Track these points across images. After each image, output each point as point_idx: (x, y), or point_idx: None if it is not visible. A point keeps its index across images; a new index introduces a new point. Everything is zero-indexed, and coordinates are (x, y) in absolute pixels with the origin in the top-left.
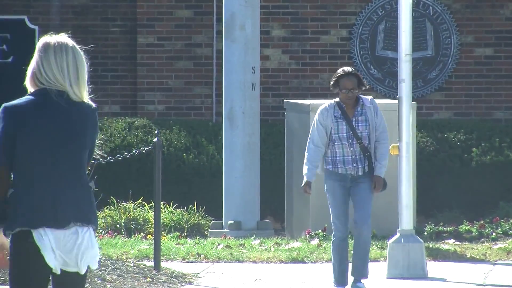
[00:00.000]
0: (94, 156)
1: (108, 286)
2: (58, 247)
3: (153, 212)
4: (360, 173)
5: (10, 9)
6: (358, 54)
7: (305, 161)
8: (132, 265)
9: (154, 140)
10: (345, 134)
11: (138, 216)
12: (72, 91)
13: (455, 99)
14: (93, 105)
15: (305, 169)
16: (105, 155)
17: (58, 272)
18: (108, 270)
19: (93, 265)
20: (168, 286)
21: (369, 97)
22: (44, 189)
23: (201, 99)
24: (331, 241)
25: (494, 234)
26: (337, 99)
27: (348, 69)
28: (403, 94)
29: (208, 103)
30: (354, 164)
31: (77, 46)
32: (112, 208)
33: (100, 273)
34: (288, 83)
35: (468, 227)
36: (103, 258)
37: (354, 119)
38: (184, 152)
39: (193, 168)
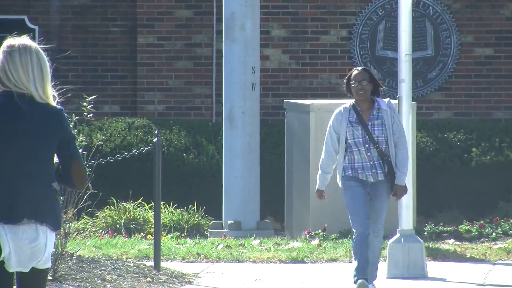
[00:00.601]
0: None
1: (108, 286)
2: (14, 244)
3: (153, 212)
4: (379, 178)
5: (10, 9)
6: (358, 54)
7: (319, 165)
8: (132, 265)
9: (154, 140)
10: (361, 139)
11: (138, 216)
12: (37, 93)
13: (455, 99)
14: (58, 107)
15: (317, 177)
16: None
17: (10, 270)
18: (108, 270)
19: (41, 265)
20: (168, 286)
21: (386, 100)
22: (1, 186)
23: (201, 99)
24: (352, 240)
25: (494, 234)
26: (352, 102)
27: (360, 67)
28: (403, 94)
29: (208, 103)
30: (373, 170)
31: (40, 49)
32: (112, 208)
33: (100, 273)
34: (288, 83)
35: (468, 227)
36: (103, 258)
37: (370, 123)
38: (184, 152)
39: (193, 168)
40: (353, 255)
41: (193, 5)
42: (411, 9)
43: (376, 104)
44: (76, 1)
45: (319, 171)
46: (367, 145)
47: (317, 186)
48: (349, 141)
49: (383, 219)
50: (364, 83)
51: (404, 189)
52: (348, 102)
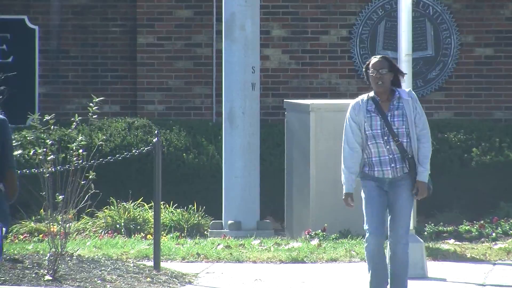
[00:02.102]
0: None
1: (108, 286)
2: None
3: (153, 212)
4: (399, 174)
5: (10, 9)
6: (358, 54)
7: (342, 167)
8: (132, 265)
9: (154, 140)
10: (379, 131)
11: (138, 216)
12: None
13: (455, 99)
14: (1, 117)
15: (343, 178)
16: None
17: None
18: (108, 270)
19: None
20: (168, 286)
21: (407, 89)
22: None
23: (201, 99)
24: (364, 247)
25: (494, 234)
26: (371, 93)
27: (379, 55)
28: None
29: (208, 103)
30: (393, 165)
31: None
32: (112, 208)
33: (100, 273)
34: (288, 83)
35: (468, 227)
36: (103, 258)
37: (389, 114)
38: (184, 152)
39: (193, 168)
40: (367, 266)
41: (193, 5)
42: (411, 9)
43: (397, 93)
44: (76, 1)
45: (344, 172)
46: (386, 138)
47: (344, 190)
48: (366, 132)
49: (407, 222)
50: (384, 71)
51: (426, 188)
52: (366, 94)
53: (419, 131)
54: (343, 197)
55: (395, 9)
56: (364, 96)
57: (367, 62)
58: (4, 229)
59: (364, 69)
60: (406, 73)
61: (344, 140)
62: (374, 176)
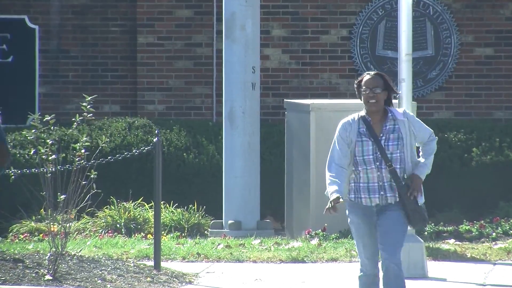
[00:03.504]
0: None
1: (108, 286)
2: None
3: (153, 212)
4: (389, 201)
5: (10, 9)
6: (358, 54)
7: (328, 181)
8: (132, 265)
9: (154, 140)
10: (371, 157)
11: (138, 216)
12: None
13: (455, 99)
14: None
15: (330, 188)
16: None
17: None
18: (108, 270)
19: None
20: (168, 286)
21: (401, 109)
22: None
23: (201, 99)
24: (358, 276)
25: (494, 234)
26: (362, 112)
27: (373, 71)
28: (403, 94)
29: (208, 103)
30: (382, 192)
31: None
32: (112, 208)
33: (100, 272)
34: (288, 83)
35: (468, 227)
36: (103, 258)
37: (383, 137)
38: (184, 152)
39: (193, 168)
40: None
41: (193, 5)
42: (411, 9)
43: (390, 114)
44: (76, 1)
45: (332, 183)
46: (378, 163)
47: (333, 195)
48: (357, 157)
49: (398, 241)
50: (378, 90)
51: (420, 183)
52: (356, 113)
53: (427, 140)
54: (328, 207)
55: (395, 9)
56: (354, 116)
57: (359, 79)
58: None
59: (356, 86)
60: (399, 93)
61: (330, 158)
62: (361, 203)
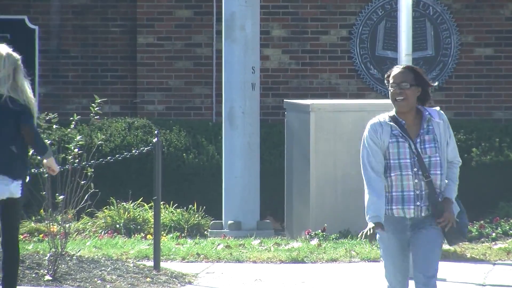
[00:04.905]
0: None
1: (108, 286)
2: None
3: (152, 212)
4: (423, 214)
5: (10, 9)
6: (358, 54)
7: (366, 198)
8: (132, 265)
9: (154, 140)
10: (408, 161)
11: (138, 216)
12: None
13: (455, 99)
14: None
15: (371, 212)
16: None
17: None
18: (108, 270)
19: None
20: (168, 286)
21: (437, 108)
22: None
23: (201, 99)
24: None
25: (494, 234)
26: (391, 112)
27: (404, 64)
28: None
29: (208, 103)
30: (418, 203)
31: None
32: (112, 208)
33: (100, 273)
34: (288, 83)
35: (468, 227)
36: (103, 258)
37: (418, 140)
38: (184, 152)
39: (193, 168)
40: None
41: (193, 5)
42: (411, 9)
43: (427, 113)
44: (76, 1)
45: (373, 202)
46: (415, 169)
47: (374, 220)
48: (391, 161)
49: (434, 263)
50: (406, 85)
51: (452, 209)
52: (385, 113)
53: (452, 158)
54: (368, 232)
55: (395, 9)
56: (384, 116)
57: (388, 73)
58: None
59: (385, 81)
60: (436, 83)
61: (366, 164)
62: (392, 216)
